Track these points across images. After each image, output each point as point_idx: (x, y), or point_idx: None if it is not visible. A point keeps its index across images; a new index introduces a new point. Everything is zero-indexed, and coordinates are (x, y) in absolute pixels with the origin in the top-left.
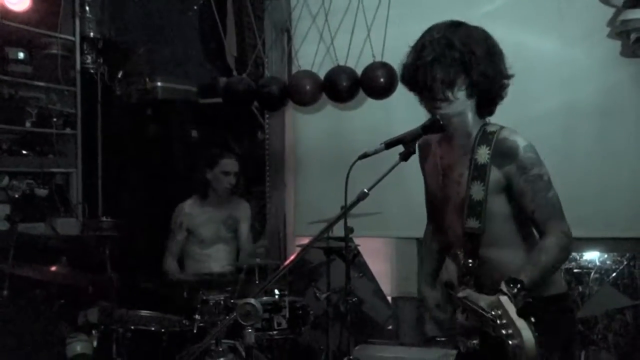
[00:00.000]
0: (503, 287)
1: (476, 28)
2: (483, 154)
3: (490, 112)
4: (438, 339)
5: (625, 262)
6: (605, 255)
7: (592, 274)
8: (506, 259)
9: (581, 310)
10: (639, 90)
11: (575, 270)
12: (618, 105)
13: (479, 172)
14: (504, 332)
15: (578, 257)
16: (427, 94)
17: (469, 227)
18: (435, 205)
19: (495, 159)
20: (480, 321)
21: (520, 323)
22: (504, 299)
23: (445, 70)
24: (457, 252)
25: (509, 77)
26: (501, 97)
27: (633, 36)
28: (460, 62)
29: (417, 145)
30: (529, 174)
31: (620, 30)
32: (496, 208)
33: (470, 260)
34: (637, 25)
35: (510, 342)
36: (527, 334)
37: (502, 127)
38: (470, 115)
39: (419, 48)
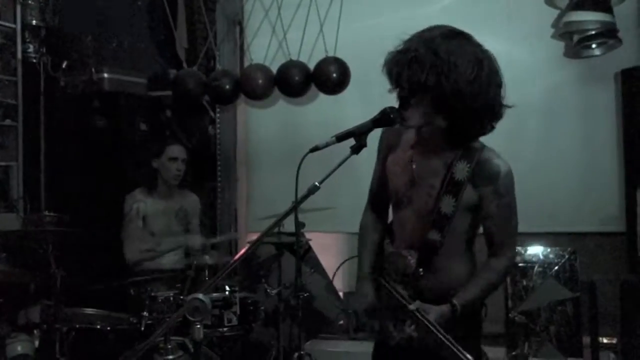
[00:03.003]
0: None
1: (477, 46)
2: (462, 169)
3: (471, 138)
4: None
5: (566, 256)
6: (548, 250)
7: (536, 267)
8: (452, 270)
9: (525, 302)
10: (582, 89)
11: (519, 264)
12: (562, 104)
13: (453, 188)
14: None
15: (522, 252)
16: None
17: (431, 238)
18: (394, 200)
19: (474, 178)
20: (435, 343)
21: None
22: None
23: (414, 74)
24: (406, 254)
25: (496, 109)
26: (483, 126)
27: (576, 37)
28: (432, 71)
29: (383, 132)
30: (502, 201)
31: (563, 32)
32: (459, 223)
33: (421, 270)
34: (580, 27)
35: None
36: None
37: (484, 146)
38: (445, 131)
39: (404, 44)
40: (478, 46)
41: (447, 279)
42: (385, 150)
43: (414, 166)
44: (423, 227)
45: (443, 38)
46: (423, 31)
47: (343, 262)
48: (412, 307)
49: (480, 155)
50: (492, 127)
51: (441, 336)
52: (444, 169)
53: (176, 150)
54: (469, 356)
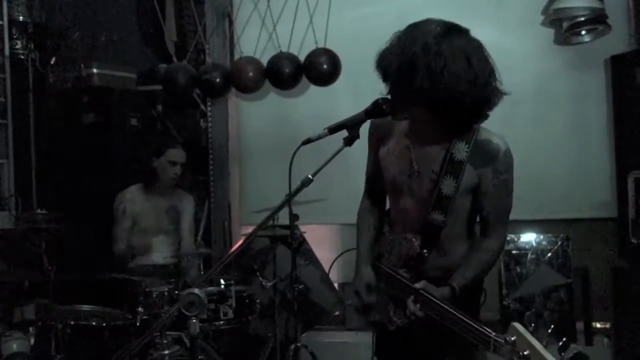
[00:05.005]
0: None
1: (468, 40)
2: (461, 150)
3: (466, 128)
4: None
5: (559, 243)
6: (541, 237)
7: (529, 254)
8: (456, 251)
9: (519, 289)
10: (572, 76)
11: (513, 252)
12: (552, 91)
13: (454, 168)
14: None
15: (516, 239)
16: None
17: (434, 219)
18: (391, 187)
19: (473, 158)
20: (462, 330)
21: (549, 356)
22: (518, 326)
23: (407, 78)
24: (411, 237)
25: (491, 99)
26: (478, 116)
27: (565, 24)
28: (425, 76)
29: (372, 122)
30: (500, 178)
31: (553, 19)
32: (460, 205)
33: (425, 251)
34: (569, 14)
35: None
36: None
37: (479, 126)
38: (439, 121)
39: (396, 40)
40: (469, 40)
41: (451, 260)
42: (377, 141)
43: (412, 155)
44: (425, 210)
45: (434, 37)
46: (414, 28)
47: (340, 255)
48: (418, 285)
49: (477, 136)
50: (487, 116)
51: (451, 311)
52: (443, 151)
53: (177, 155)
54: (486, 328)
